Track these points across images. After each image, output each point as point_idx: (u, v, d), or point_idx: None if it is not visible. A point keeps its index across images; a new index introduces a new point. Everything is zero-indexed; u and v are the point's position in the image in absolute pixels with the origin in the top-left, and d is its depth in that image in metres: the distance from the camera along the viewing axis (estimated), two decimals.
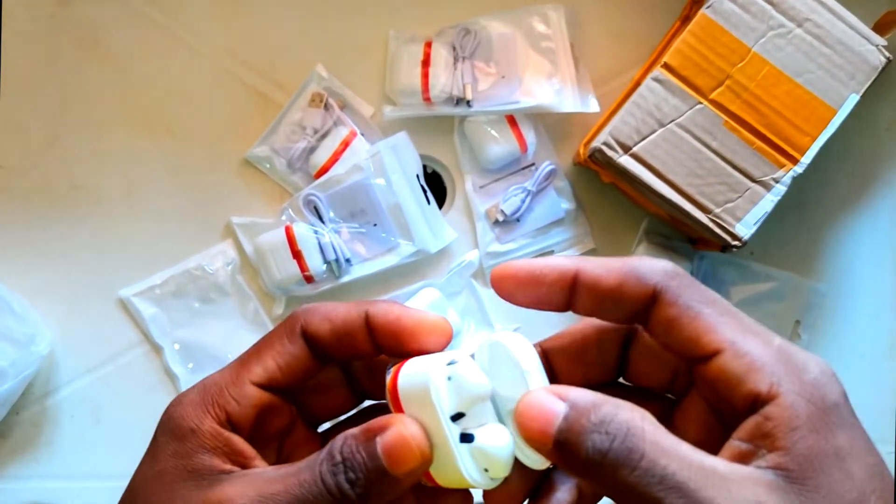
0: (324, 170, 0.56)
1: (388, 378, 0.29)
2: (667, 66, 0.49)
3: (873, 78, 0.49)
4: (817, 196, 0.59)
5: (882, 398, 0.59)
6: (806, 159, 0.49)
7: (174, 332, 0.57)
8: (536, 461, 0.28)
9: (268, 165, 0.57)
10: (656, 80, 0.49)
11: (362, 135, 0.56)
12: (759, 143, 0.49)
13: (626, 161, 0.50)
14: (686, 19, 0.54)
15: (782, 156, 0.49)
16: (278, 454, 0.32)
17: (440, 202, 0.59)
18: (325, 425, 0.34)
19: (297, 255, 0.54)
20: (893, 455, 0.58)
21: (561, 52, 0.56)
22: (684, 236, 0.58)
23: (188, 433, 0.28)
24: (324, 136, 0.56)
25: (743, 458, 0.25)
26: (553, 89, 0.55)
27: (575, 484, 0.29)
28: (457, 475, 0.27)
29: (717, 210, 0.50)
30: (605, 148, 0.50)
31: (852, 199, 0.60)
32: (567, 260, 0.29)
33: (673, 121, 0.49)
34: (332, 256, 0.55)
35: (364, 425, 0.27)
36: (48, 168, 0.57)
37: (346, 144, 0.55)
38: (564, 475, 0.29)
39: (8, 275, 0.56)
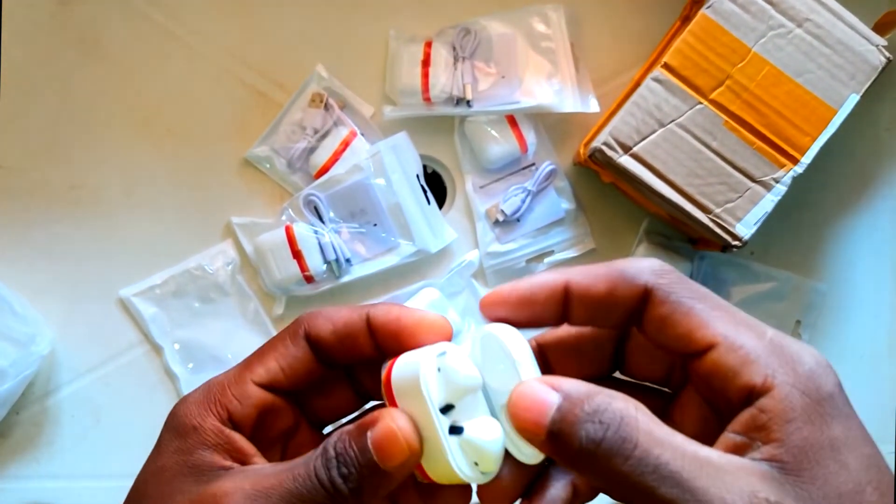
0: (324, 170, 0.56)
1: (384, 373, 0.29)
2: (667, 66, 0.49)
3: (873, 78, 0.49)
4: (818, 196, 0.59)
5: (882, 398, 0.59)
6: (806, 159, 0.49)
7: (174, 331, 0.57)
8: (529, 456, 0.28)
9: (268, 165, 0.57)
10: (656, 80, 0.49)
11: (362, 135, 0.56)
12: (759, 143, 0.49)
13: (626, 161, 0.50)
14: (686, 19, 0.54)
15: (782, 156, 0.49)
16: (282, 456, 0.32)
17: (440, 202, 0.59)
18: (330, 427, 0.34)
19: (297, 255, 0.54)
20: (893, 455, 0.58)
21: (561, 52, 0.56)
22: (684, 236, 0.58)
23: (190, 430, 0.29)
24: (324, 136, 0.56)
25: (738, 450, 0.25)
26: (553, 89, 0.55)
27: (570, 481, 0.29)
28: (447, 469, 0.27)
29: (718, 210, 0.50)
30: (605, 148, 0.50)
31: (852, 199, 0.60)
32: (553, 274, 0.29)
33: (673, 121, 0.49)
34: (332, 256, 0.55)
35: (358, 421, 0.27)
36: (48, 168, 0.57)
37: (346, 144, 0.55)
38: (559, 472, 0.29)
39: (8, 275, 0.56)
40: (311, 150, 0.56)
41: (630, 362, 0.32)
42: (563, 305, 0.29)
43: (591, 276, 0.28)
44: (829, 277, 0.59)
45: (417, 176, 0.56)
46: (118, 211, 0.57)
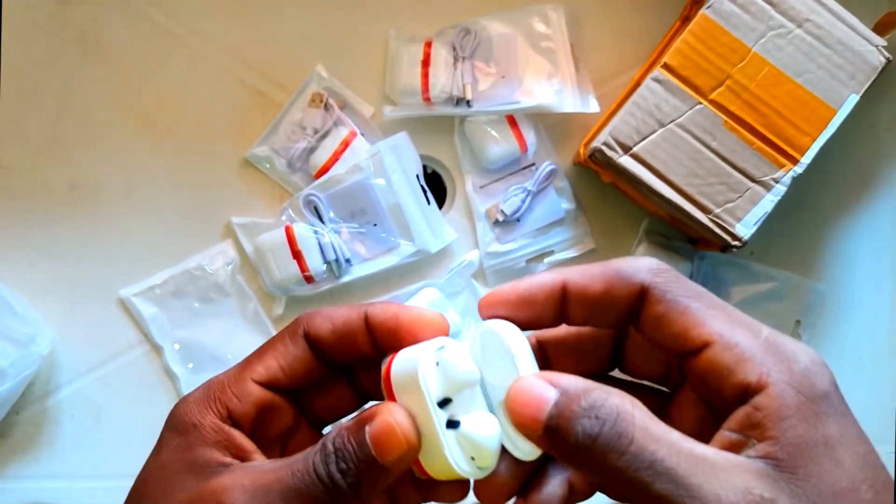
0: (324, 170, 0.56)
1: (383, 368, 0.29)
2: (667, 67, 0.49)
3: (873, 78, 0.50)
4: (817, 196, 0.59)
5: (882, 398, 0.59)
6: (806, 159, 0.49)
7: (174, 332, 0.57)
8: (526, 452, 0.28)
9: (268, 165, 0.57)
10: (656, 80, 0.49)
11: (362, 135, 0.56)
12: (759, 143, 0.49)
13: (626, 161, 0.50)
14: (686, 19, 0.54)
15: (782, 156, 0.49)
16: (282, 455, 0.32)
17: (440, 202, 0.59)
18: (329, 427, 0.34)
19: (297, 255, 0.54)
20: (893, 455, 0.58)
21: (561, 52, 0.56)
22: (684, 236, 0.58)
23: (190, 428, 0.29)
24: (324, 136, 0.56)
25: (733, 448, 0.25)
26: (553, 89, 0.55)
27: (566, 479, 0.29)
28: (444, 463, 0.27)
29: (717, 210, 0.50)
30: (605, 148, 0.50)
31: (852, 200, 0.60)
32: (551, 274, 0.29)
33: (673, 121, 0.49)
34: (332, 256, 0.55)
35: (357, 416, 0.28)
36: (48, 168, 0.57)
37: (346, 144, 0.55)
38: (556, 470, 0.29)
39: (8, 275, 0.56)
40: (311, 150, 0.56)
41: (629, 360, 0.32)
42: (561, 305, 0.29)
43: (588, 275, 0.28)
44: (829, 277, 0.59)
45: (417, 176, 0.56)
46: (118, 211, 0.57)
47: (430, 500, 0.30)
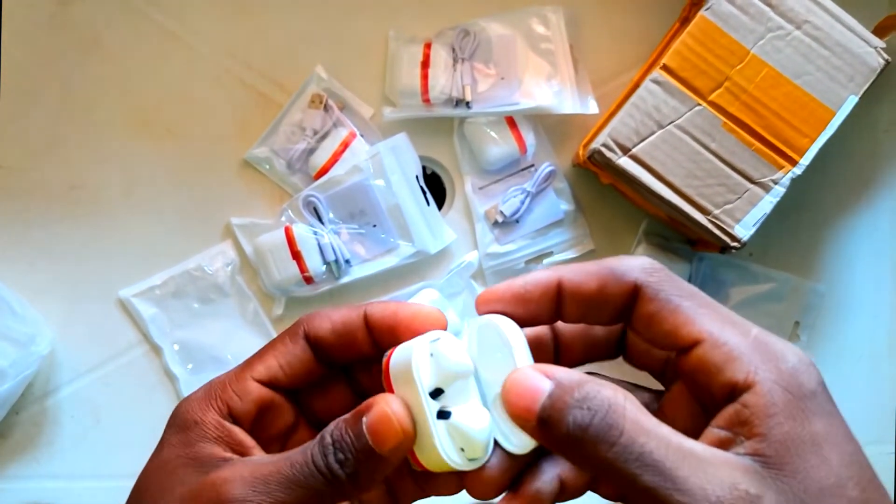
0: (323, 171, 0.56)
1: (383, 362, 0.30)
2: (666, 68, 0.50)
3: (872, 80, 0.50)
4: (816, 197, 0.59)
5: (881, 398, 0.59)
6: (805, 161, 0.49)
7: (174, 332, 0.57)
8: (518, 446, 0.28)
9: (267, 166, 0.57)
10: (655, 81, 0.49)
11: (362, 136, 0.56)
12: (757, 144, 0.50)
13: (625, 162, 0.50)
14: (685, 21, 0.54)
15: (781, 157, 0.50)
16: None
17: (440, 203, 0.59)
18: None
19: (296, 255, 0.54)
20: (893, 455, 0.58)
21: (560, 53, 0.56)
22: (683, 238, 0.58)
23: (192, 424, 0.29)
24: (323, 137, 0.56)
25: (722, 445, 0.25)
26: (552, 91, 0.55)
27: (558, 475, 0.29)
28: (435, 454, 0.27)
29: (716, 211, 0.50)
30: (604, 149, 0.50)
31: (851, 201, 0.60)
32: (546, 272, 0.29)
33: (672, 122, 0.50)
34: (331, 257, 0.55)
35: (355, 409, 0.28)
36: (48, 168, 0.57)
37: (345, 145, 0.56)
38: (548, 466, 0.29)
39: (8, 275, 0.56)
40: (311, 151, 0.56)
41: (630, 352, 0.32)
42: (556, 303, 0.29)
43: (582, 273, 0.29)
44: (828, 278, 0.59)
45: (417, 177, 0.56)
46: (118, 211, 0.57)
47: (427, 493, 0.31)
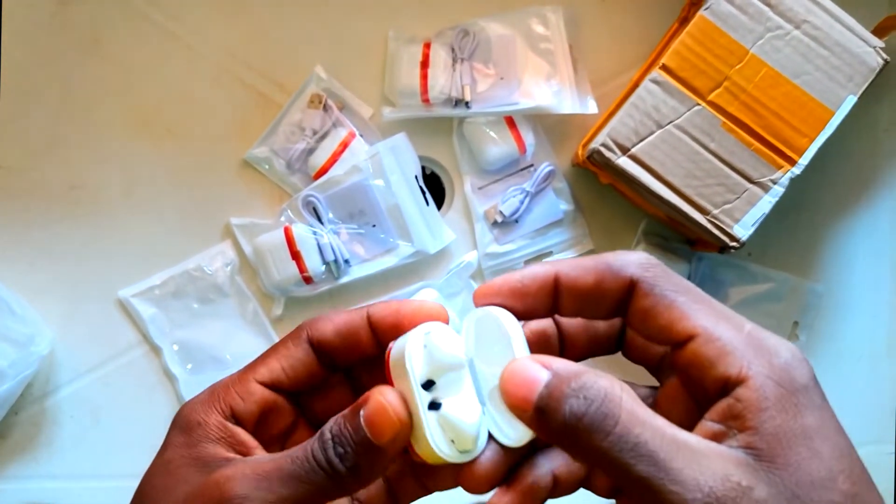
0: (323, 171, 0.56)
1: (385, 354, 0.30)
2: (665, 68, 0.50)
3: (871, 79, 0.50)
4: (815, 197, 0.59)
5: (881, 398, 0.59)
6: (804, 161, 0.50)
7: (173, 332, 0.57)
8: (512, 439, 0.28)
9: (267, 166, 0.57)
10: (654, 81, 0.50)
11: (361, 136, 0.56)
12: (756, 144, 0.50)
13: (624, 162, 0.50)
14: (684, 21, 0.54)
15: (780, 157, 0.50)
16: None
17: (439, 203, 0.59)
18: None
19: (296, 255, 0.54)
20: (893, 455, 0.58)
21: (559, 53, 0.56)
22: (682, 237, 0.58)
23: (195, 425, 0.30)
24: (323, 137, 0.56)
25: (715, 438, 0.25)
26: (552, 91, 0.55)
27: (552, 470, 0.29)
28: (427, 445, 0.28)
29: (715, 211, 0.50)
30: (603, 149, 0.50)
31: (850, 201, 0.60)
32: (544, 266, 0.29)
33: (671, 122, 0.50)
34: (330, 257, 0.55)
35: (353, 403, 0.28)
36: (48, 168, 0.57)
37: (344, 145, 0.56)
38: (543, 461, 0.29)
39: (8, 275, 0.56)
40: (310, 151, 0.56)
41: (629, 346, 0.33)
42: (554, 297, 0.29)
43: (579, 268, 0.29)
44: (827, 278, 0.59)
45: (416, 177, 0.56)
46: (118, 211, 0.57)
47: (427, 487, 0.31)
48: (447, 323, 0.30)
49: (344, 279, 0.56)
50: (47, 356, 0.55)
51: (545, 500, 0.29)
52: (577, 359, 0.32)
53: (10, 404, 0.54)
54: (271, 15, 0.58)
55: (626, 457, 0.24)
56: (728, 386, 0.26)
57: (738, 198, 0.50)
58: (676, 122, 0.50)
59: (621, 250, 0.29)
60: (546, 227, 0.58)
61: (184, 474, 0.29)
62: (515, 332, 0.29)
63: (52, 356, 0.56)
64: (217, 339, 0.57)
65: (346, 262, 0.55)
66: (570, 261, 0.29)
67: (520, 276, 0.30)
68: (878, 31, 0.52)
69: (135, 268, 0.57)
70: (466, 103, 0.55)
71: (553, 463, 0.29)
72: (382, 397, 0.27)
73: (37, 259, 0.57)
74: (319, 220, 0.56)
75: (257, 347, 0.57)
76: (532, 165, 0.57)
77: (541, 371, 0.26)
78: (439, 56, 0.55)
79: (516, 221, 0.57)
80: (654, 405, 0.30)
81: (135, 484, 0.30)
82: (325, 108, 0.56)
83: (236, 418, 0.30)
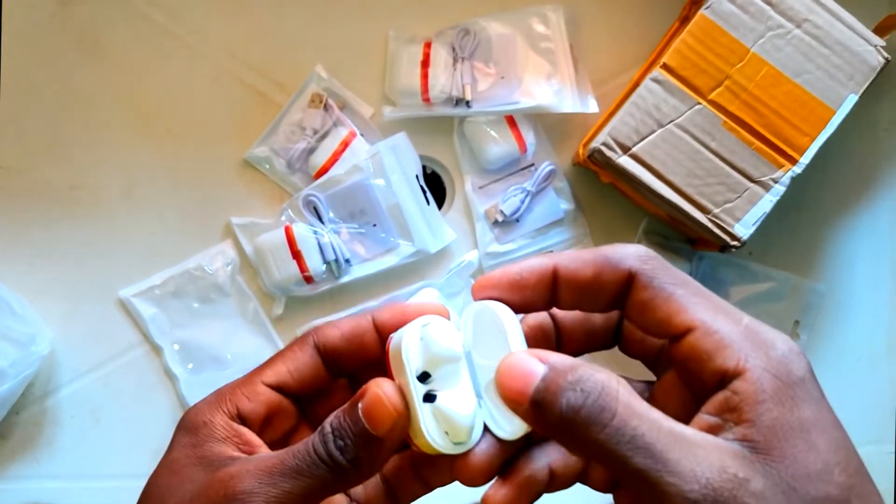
0: (323, 170, 0.56)
1: (385, 346, 0.30)
2: (666, 67, 0.50)
3: (872, 78, 0.50)
4: (816, 196, 0.59)
5: (881, 398, 0.59)
6: (805, 160, 0.49)
7: (174, 332, 0.57)
8: (508, 432, 0.28)
9: (267, 166, 0.57)
10: (655, 80, 0.50)
11: (362, 135, 0.56)
12: (757, 143, 0.50)
13: (625, 161, 0.50)
14: (685, 20, 0.54)
15: (781, 156, 0.50)
16: None
17: (439, 203, 0.59)
18: None
19: (296, 255, 0.54)
20: (893, 455, 0.58)
21: (560, 52, 0.56)
22: (683, 236, 0.58)
23: (201, 426, 0.30)
24: (323, 136, 0.56)
25: (712, 431, 0.25)
26: (552, 90, 0.55)
27: (548, 463, 0.29)
28: (422, 436, 0.28)
29: (716, 210, 0.50)
30: (604, 148, 0.50)
31: (851, 200, 0.60)
32: (543, 259, 0.30)
33: (672, 121, 0.50)
34: (331, 257, 0.55)
35: (352, 397, 0.29)
36: (48, 168, 0.57)
37: (345, 145, 0.56)
38: (538, 454, 0.30)
39: (8, 275, 0.56)
40: (311, 151, 0.56)
41: (626, 340, 0.33)
42: (552, 289, 0.30)
43: (578, 260, 0.29)
44: (828, 278, 0.59)
45: (417, 176, 0.56)
46: (118, 211, 0.57)
47: (426, 480, 0.31)
48: (449, 318, 0.30)
49: (345, 279, 0.56)
50: (48, 356, 0.55)
51: (541, 493, 0.30)
52: (573, 354, 0.32)
53: (10, 404, 0.54)
54: (271, 15, 0.58)
55: (623, 449, 0.24)
56: (725, 379, 0.26)
57: (738, 197, 0.50)
58: (677, 121, 0.50)
59: (619, 244, 0.29)
60: (547, 226, 0.58)
61: (189, 473, 0.29)
62: (512, 326, 0.29)
63: (52, 356, 0.56)
64: (218, 338, 0.57)
65: (347, 261, 0.55)
66: (568, 253, 0.29)
67: (518, 269, 0.30)
68: (879, 30, 0.52)
69: (135, 267, 0.57)
70: (467, 102, 0.55)
71: (550, 457, 0.29)
72: (379, 389, 0.28)
73: (37, 259, 0.57)
74: (320, 219, 0.56)
75: (258, 347, 0.57)
76: (533, 165, 0.57)
77: (537, 365, 0.26)
78: (440, 55, 0.55)
79: (517, 221, 0.57)
80: (651, 399, 0.31)
81: (136, 484, 0.30)
82: (326, 107, 0.56)
83: (242, 418, 0.30)
